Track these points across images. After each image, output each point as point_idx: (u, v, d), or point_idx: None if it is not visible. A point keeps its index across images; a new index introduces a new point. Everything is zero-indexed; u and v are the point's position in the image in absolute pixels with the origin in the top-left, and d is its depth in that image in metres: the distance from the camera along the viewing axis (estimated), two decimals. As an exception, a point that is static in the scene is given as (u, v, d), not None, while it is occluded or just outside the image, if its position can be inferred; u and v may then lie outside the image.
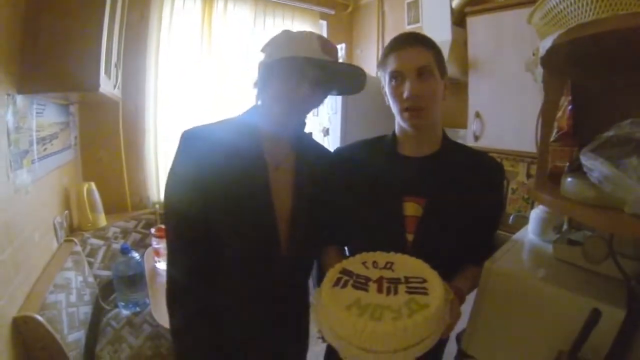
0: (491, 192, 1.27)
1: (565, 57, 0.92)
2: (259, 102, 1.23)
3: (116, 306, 2.35)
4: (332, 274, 1.06)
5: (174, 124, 3.31)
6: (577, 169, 0.80)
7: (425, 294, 0.95)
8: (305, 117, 1.24)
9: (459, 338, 1.24)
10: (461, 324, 1.17)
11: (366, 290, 0.98)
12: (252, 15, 3.58)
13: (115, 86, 2.45)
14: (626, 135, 0.75)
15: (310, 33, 1.15)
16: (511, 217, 2.19)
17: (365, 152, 1.35)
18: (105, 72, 2.01)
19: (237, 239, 1.16)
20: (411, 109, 1.15)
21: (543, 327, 0.98)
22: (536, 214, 1.31)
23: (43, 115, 2.05)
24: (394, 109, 1.21)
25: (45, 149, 2.06)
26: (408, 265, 1.08)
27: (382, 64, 1.22)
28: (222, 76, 3.48)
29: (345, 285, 1.01)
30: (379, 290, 0.98)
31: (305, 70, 1.10)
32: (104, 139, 3.06)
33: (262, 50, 1.18)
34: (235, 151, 1.14)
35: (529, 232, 1.34)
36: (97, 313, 2.28)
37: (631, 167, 0.68)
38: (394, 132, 1.30)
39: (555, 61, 0.95)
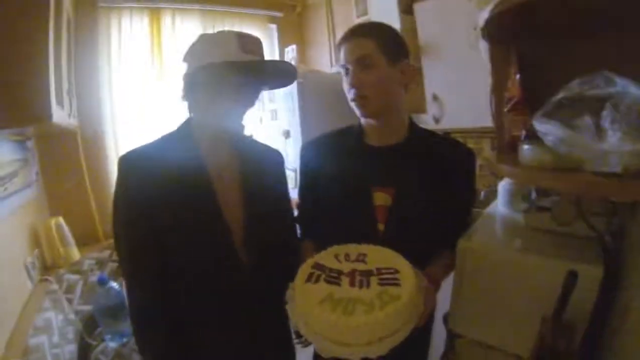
0: (461, 179, 1.28)
1: (505, 27, 0.93)
2: (191, 114, 1.20)
3: (102, 340, 2.27)
4: (304, 269, 1.06)
5: (136, 146, 3.19)
6: (533, 136, 0.81)
7: (397, 285, 0.96)
8: (241, 119, 1.19)
9: (445, 319, 1.24)
10: (446, 305, 1.18)
11: (338, 284, 0.99)
12: (201, 27, 3.51)
13: (70, 115, 2.38)
14: (576, 96, 0.76)
15: (228, 32, 1.10)
16: (482, 193, 2.22)
17: (332, 144, 1.35)
18: (57, 101, 1.96)
19: (192, 255, 1.12)
20: (356, 99, 1.18)
21: (525, 296, 1.00)
22: (503, 186, 1.33)
23: (-2, 155, 1.97)
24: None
25: (5, 189, 1.98)
26: (380, 256, 1.08)
27: (336, 60, 1.24)
28: (177, 91, 3.37)
29: (317, 280, 1.01)
30: (351, 284, 0.98)
31: (226, 75, 1.07)
32: (66, 171, 2.94)
33: (184, 61, 1.15)
34: (174, 167, 1.10)
35: (499, 205, 1.36)
36: (84, 350, 2.20)
37: (585, 126, 0.69)
38: (359, 122, 1.30)
39: (496, 32, 0.96)
